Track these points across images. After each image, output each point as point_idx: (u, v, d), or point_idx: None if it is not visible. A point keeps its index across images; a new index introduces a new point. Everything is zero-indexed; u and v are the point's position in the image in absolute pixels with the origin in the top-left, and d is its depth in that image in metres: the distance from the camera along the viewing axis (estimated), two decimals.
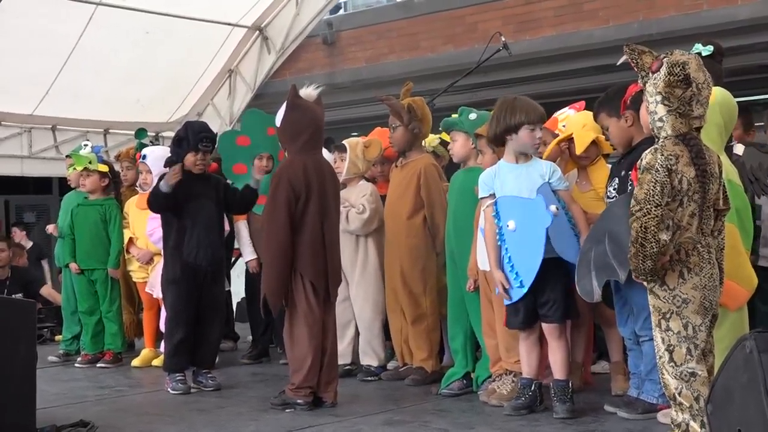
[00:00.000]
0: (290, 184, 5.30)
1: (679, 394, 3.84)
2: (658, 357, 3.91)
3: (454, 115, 5.81)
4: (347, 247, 6.15)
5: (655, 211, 3.75)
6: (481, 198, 5.13)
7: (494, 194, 5.05)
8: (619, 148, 5.03)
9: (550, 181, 4.99)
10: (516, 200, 4.98)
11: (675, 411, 3.88)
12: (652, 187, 3.77)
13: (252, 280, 7.40)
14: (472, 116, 5.68)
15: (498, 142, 5.10)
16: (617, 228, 4.26)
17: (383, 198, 6.38)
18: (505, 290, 4.97)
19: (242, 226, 7.33)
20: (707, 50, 4.74)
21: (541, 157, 5.23)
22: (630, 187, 4.68)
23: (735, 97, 4.77)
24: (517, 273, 4.94)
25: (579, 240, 4.91)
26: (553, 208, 4.90)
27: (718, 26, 8.63)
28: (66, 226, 7.61)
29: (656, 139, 3.96)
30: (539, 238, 4.87)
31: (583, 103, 5.70)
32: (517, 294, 4.95)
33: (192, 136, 6.14)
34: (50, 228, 8.14)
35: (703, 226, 3.91)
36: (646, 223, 3.76)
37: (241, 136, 7.30)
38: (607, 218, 4.51)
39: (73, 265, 7.47)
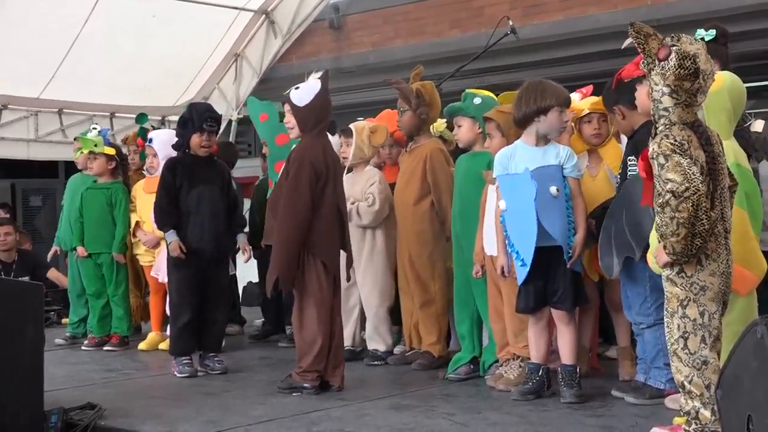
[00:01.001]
0: (312, 166, 5.28)
1: (690, 381, 3.82)
2: (670, 344, 3.88)
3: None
4: (354, 233, 6.15)
5: (702, 187, 3.72)
6: (494, 177, 5.11)
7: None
8: (626, 135, 5.06)
9: (564, 165, 4.96)
10: (508, 178, 4.99)
11: (684, 398, 3.86)
12: (687, 167, 3.73)
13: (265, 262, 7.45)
14: (477, 101, 5.65)
15: (525, 123, 5.03)
16: (634, 206, 4.27)
17: (391, 184, 6.38)
18: (503, 274, 5.00)
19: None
20: (710, 35, 4.71)
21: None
22: (632, 173, 4.68)
23: (745, 82, 4.73)
24: (517, 252, 4.94)
25: (572, 228, 4.90)
26: (553, 189, 4.88)
27: (726, 11, 8.58)
28: (74, 209, 7.61)
29: (654, 123, 3.93)
30: (529, 213, 4.85)
31: (590, 88, 5.68)
32: (521, 273, 4.93)
33: (197, 116, 6.16)
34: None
35: (716, 211, 3.88)
36: (697, 201, 3.70)
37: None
38: (625, 196, 4.55)
39: (80, 250, 7.47)
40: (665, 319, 3.94)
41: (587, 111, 5.45)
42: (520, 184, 4.94)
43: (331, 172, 5.34)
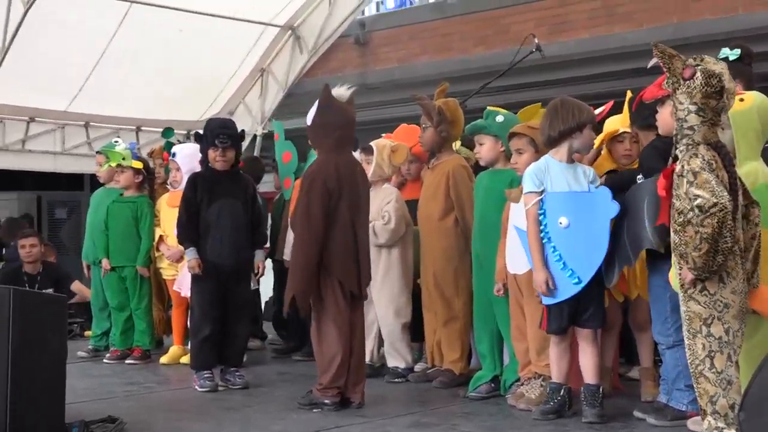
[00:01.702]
0: (324, 183, 5.29)
1: (716, 402, 3.79)
2: (694, 365, 3.85)
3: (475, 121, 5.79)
4: (370, 250, 6.13)
5: (729, 205, 3.73)
6: (527, 193, 5.01)
7: (543, 190, 4.97)
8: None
9: (593, 184, 4.97)
10: (570, 195, 4.93)
11: (709, 419, 3.82)
12: (714, 184, 3.74)
13: (280, 278, 7.50)
14: (499, 119, 5.64)
15: (560, 140, 5.00)
16: (633, 215, 4.39)
17: (412, 201, 6.38)
18: (549, 290, 4.89)
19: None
20: (734, 54, 4.71)
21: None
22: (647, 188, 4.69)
23: None
24: (572, 270, 4.85)
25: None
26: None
27: (753, 30, 8.53)
28: (99, 222, 7.65)
29: (676, 143, 3.92)
30: (602, 231, 4.81)
31: (610, 104, 5.66)
32: (571, 291, 4.86)
33: (209, 132, 6.21)
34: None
35: (736, 230, 3.88)
36: (723, 217, 3.73)
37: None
38: (625, 206, 4.67)
39: (105, 262, 7.50)
40: (686, 341, 3.91)
41: (621, 130, 5.43)
42: (590, 202, 4.90)
43: (345, 189, 5.32)
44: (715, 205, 3.73)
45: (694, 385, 3.90)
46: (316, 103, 5.44)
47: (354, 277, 5.34)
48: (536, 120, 5.38)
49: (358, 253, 5.36)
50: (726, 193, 3.75)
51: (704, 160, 3.79)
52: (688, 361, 3.91)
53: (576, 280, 4.84)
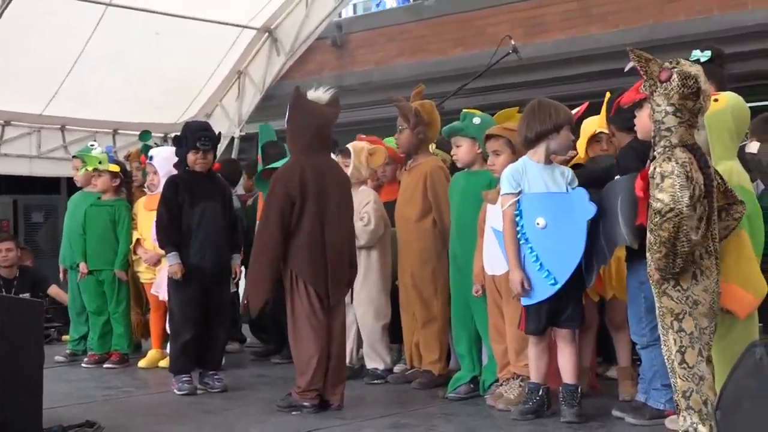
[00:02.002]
0: (285, 189, 5.29)
1: (689, 397, 3.82)
2: (670, 360, 3.89)
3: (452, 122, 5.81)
4: None
5: (687, 211, 3.78)
6: (504, 194, 5.01)
7: (521, 192, 4.97)
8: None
9: (571, 186, 4.98)
10: (548, 196, 4.94)
11: (683, 415, 3.85)
12: (678, 190, 3.79)
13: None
14: (476, 120, 5.64)
15: (537, 141, 5.00)
16: (608, 213, 4.45)
17: (389, 203, 6.38)
18: (524, 290, 4.90)
19: None
20: (705, 56, 4.74)
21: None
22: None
23: (746, 102, 4.73)
24: (548, 271, 4.86)
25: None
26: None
27: (728, 31, 8.61)
28: (76, 226, 7.61)
29: (653, 146, 3.96)
30: (578, 232, 4.82)
31: (585, 105, 5.68)
32: (548, 292, 4.86)
33: (190, 135, 6.19)
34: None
35: (710, 230, 3.93)
36: (679, 223, 3.78)
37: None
38: (600, 204, 4.67)
39: (82, 266, 7.47)
40: (662, 336, 3.95)
41: (599, 130, 5.46)
42: (567, 203, 4.91)
43: (310, 192, 5.28)
44: (671, 210, 3.79)
45: (671, 380, 3.93)
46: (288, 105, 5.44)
47: (322, 281, 5.30)
48: (513, 122, 5.40)
49: (326, 257, 5.33)
50: (687, 200, 3.79)
51: (677, 163, 3.83)
52: (665, 357, 3.95)
53: (552, 281, 4.86)
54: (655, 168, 3.88)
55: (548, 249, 4.88)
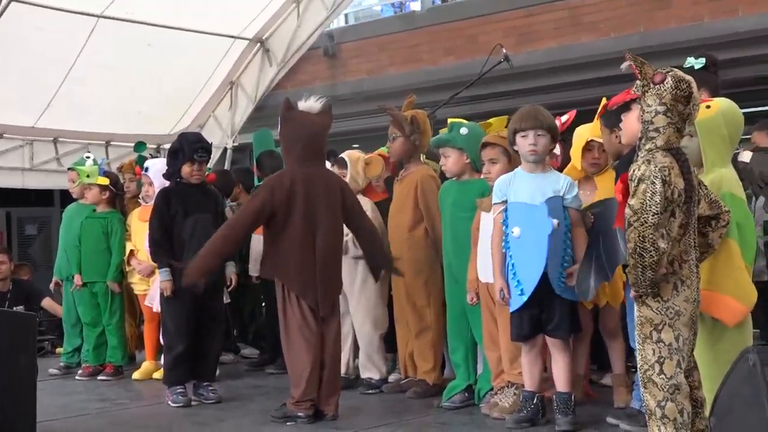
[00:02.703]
0: (271, 193, 5.32)
1: (663, 407, 3.79)
2: (643, 370, 3.86)
3: (443, 131, 5.81)
4: (346, 261, 6.14)
5: (652, 219, 3.75)
6: (494, 204, 5.10)
7: (506, 201, 5.02)
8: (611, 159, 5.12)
9: (565, 197, 4.96)
10: (522, 207, 4.97)
11: (656, 424, 3.82)
12: (649, 197, 3.77)
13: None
14: (464, 131, 5.66)
15: (515, 150, 5.13)
16: (609, 230, 4.35)
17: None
18: (503, 298, 4.96)
19: (256, 241, 7.33)
20: (700, 63, 4.76)
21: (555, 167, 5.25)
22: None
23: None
24: (518, 281, 4.93)
25: (568, 260, 4.90)
26: (554, 222, 4.89)
27: (719, 38, 8.65)
28: (72, 237, 7.61)
29: (638, 149, 3.96)
30: (541, 246, 4.86)
31: (573, 113, 5.69)
32: (517, 303, 4.93)
33: (187, 147, 6.18)
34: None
35: (690, 238, 3.92)
36: (643, 232, 3.75)
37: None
38: (601, 220, 4.59)
39: (77, 278, 7.46)
40: (637, 346, 3.93)
41: (590, 138, 5.46)
42: (536, 216, 4.93)
43: (297, 201, 5.30)
44: (637, 218, 3.77)
45: (641, 390, 3.89)
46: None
47: (312, 292, 5.31)
48: (492, 131, 5.54)
49: (316, 269, 5.33)
50: (656, 208, 3.76)
51: (656, 167, 3.81)
52: (638, 366, 3.92)
53: (520, 291, 4.91)
54: (633, 171, 3.88)
55: (520, 259, 4.94)
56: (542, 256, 4.85)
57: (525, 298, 4.90)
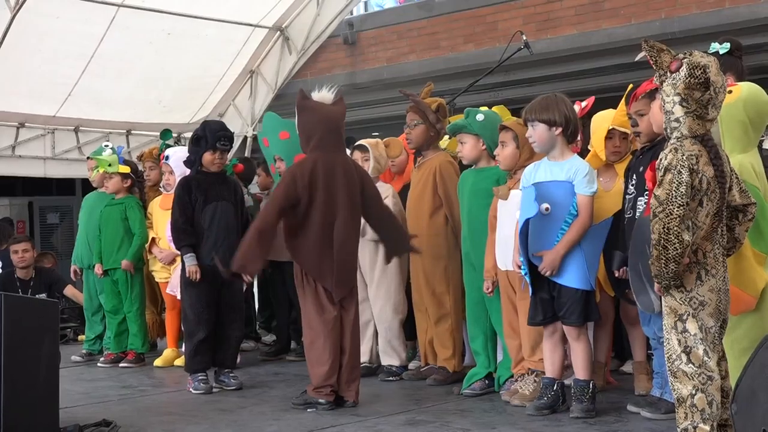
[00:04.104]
0: (294, 180, 5.35)
1: (693, 396, 3.78)
2: (671, 360, 3.84)
3: (457, 117, 5.80)
4: (366, 247, 6.15)
5: (677, 211, 3.72)
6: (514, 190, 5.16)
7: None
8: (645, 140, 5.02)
9: (573, 181, 4.95)
10: (524, 191, 5.02)
11: (682, 414, 3.81)
12: (675, 188, 3.74)
13: (265, 279, 7.60)
14: (479, 117, 5.65)
15: None
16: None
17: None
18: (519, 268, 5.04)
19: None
20: (724, 48, 4.72)
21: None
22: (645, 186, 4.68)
23: None
24: (523, 262, 4.97)
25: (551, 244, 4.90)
26: (543, 206, 4.89)
27: (740, 24, 8.57)
28: (92, 226, 7.65)
29: (667, 139, 3.93)
30: (522, 228, 4.93)
31: (591, 99, 5.65)
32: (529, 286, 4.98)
33: (210, 135, 6.19)
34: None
35: (718, 227, 3.88)
36: (668, 224, 3.72)
37: (264, 137, 7.35)
38: (643, 230, 4.51)
39: (97, 267, 7.51)
40: (665, 336, 3.91)
41: (610, 127, 5.43)
42: (525, 199, 4.98)
43: (319, 189, 5.33)
44: (662, 209, 3.74)
45: (670, 380, 3.87)
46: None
47: (330, 278, 5.35)
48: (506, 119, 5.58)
49: (333, 255, 5.35)
50: (680, 199, 3.73)
51: (683, 156, 3.78)
52: (665, 356, 3.91)
53: (524, 272, 4.99)
54: (661, 159, 3.85)
55: (520, 241, 4.99)
56: (522, 239, 4.90)
57: (526, 277, 4.95)
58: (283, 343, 7.58)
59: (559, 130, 4.97)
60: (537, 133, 5.00)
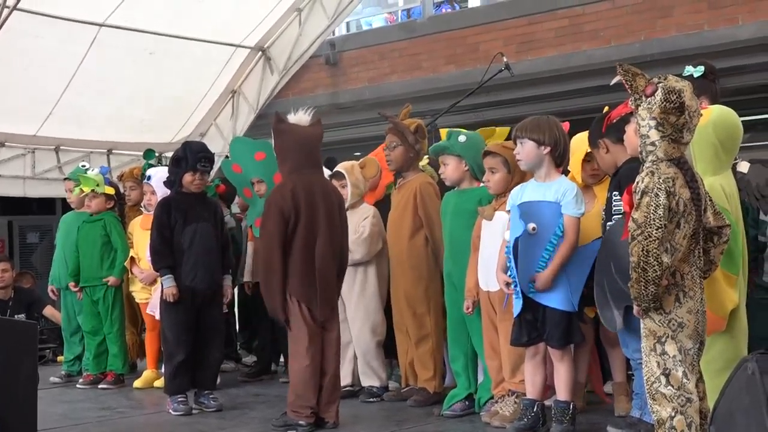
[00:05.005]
0: (280, 210, 5.34)
1: (672, 418, 3.79)
2: (650, 383, 3.86)
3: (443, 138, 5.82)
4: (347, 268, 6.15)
5: (656, 233, 3.74)
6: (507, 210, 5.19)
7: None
8: (608, 173, 5.09)
9: (560, 202, 4.95)
10: (510, 211, 5.05)
11: None
12: (652, 210, 3.76)
13: (245, 299, 7.55)
14: (462, 138, 5.67)
15: None
16: (619, 252, 4.27)
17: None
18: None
19: (249, 247, 7.35)
20: (698, 71, 4.76)
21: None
22: (617, 209, 4.71)
23: (738, 116, 4.72)
24: (516, 283, 4.96)
25: (543, 266, 4.88)
26: (530, 226, 4.91)
27: (719, 46, 8.65)
28: (69, 245, 7.61)
29: (642, 162, 3.96)
30: (512, 247, 4.95)
31: (566, 125, 5.67)
32: (517, 306, 4.97)
33: (190, 156, 6.19)
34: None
35: (695, 249, 3.91)
36: (647, 246, 3.74)
37: (234, 164, 7.36)
38: (608, 246, 4.52)
39: (71, 285, 7.47)
40: (643, 357, 3.92)
41: (588, 150, 5.45)
42: (513, 219, 5.00)
43: (302, 211, 5.35)
44: (641, 232, 3.76)
45: (649, 402, 3.89)
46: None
47: (314, 298, 5.36)
48: (493, 141, 5.56)
49: (316, 276, 5.36)
50: (659, 221, 3.75)
51: (660, 179, 3.81)
52: (644, 378, 3.92)
53: (516, 294, 4.99)
54: (638, 183, 3.87)
55: (512, 263, 5.00)
56: (510, 259, 4.93)
57: (520, 302, 4.94)
58: (264, 364, 7.56)
59: (548, 149, 4.98)
60: (525, 150, 5.01)
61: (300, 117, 5.52)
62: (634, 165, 4.77)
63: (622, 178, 4.85)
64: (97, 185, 7.46)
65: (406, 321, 6.10)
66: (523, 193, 5.03)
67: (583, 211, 5.02)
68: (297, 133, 5.45)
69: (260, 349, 7.69)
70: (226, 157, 8.65)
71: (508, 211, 5.08)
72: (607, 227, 4.84)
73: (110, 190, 7.51)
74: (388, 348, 6.43)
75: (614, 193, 4.88)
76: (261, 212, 7.19)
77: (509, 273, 5.00)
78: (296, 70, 11.25)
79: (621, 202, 4.60)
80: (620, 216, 4.56)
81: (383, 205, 6.61)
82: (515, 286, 4.96)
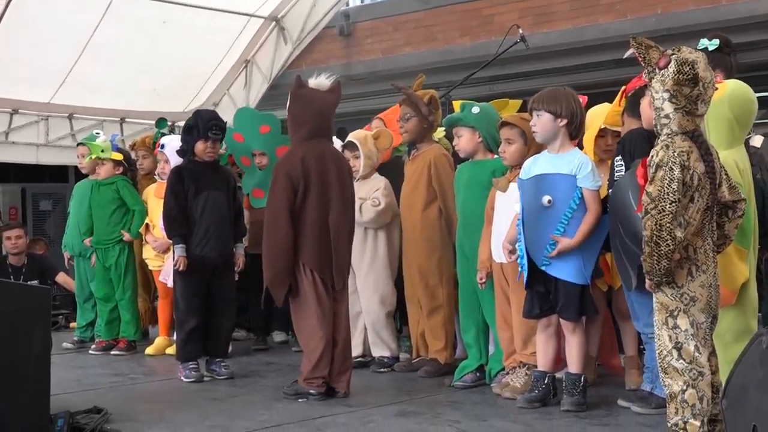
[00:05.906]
0: (288, 177, 5.30)
1: (684, 392, 3.80)
2: (662, 356, 3.86)
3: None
4: (356, 239, 6.13)
5: (669, 207, 3.72)
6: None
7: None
8: None
9: (576, 175, 4.93)
10: (521, 182, 5.05)
11: (673, 410, 3.83)
12: (667, 184, 3.75)
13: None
14: (475, 110, 5.65)
15: None
16: (626, 212, 4.28)
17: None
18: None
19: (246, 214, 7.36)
20: (713, 44, 4.72)
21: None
22: (618, 173, 4.70)
23: (755, 92, 4.69)
24: (522, 255, 4.97)
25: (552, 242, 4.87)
26: (545, 198, 4.89)
27: (737, 21, 8.58)
28: (83, 212, 7.62)
29: (657, 135, 3.94)
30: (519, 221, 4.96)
31: (584, 99, 5.64)
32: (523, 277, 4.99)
33: (201, 124, 6.18)
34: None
35: (708, 223, 3.90)
36: (660, 220, 3.73)
37: (236, 132, 7.35)
38: (614, 209, 4.55)
39: (86, 241, 7.50)
40: (656, 331, 3.92)
41: (603, 126, 5.43)
42: (525, 190, 4.98)
43: (312, 180, 5.31)
44: (655, 207, 3.74)
45: (661, 376, 3.89)
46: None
47: (328, 268, 5.34)
48: (507, 113, 5.53)
49: (330, 244, 5.35)
50: (672, 195, 3.73)
51: (674, 152, 3.79)
52: (656, 352, 3.92)
53: (521, 266, 5.02)
54: (652, 156, 3.85)
55: (521, 234, 5.01)
56: (519, 231, 4.94)
57: (525, 273, 4.95)
58: (260, 335, 7.56)
59: (564, 121, 4.95)
60: (541, 122, 4.98)
61: (321, 81, 5.48)
62: (637, 131, 4.77)
63: (626, 144, 4.84)
64: (102, 151, 7.47)
65: (418, 292, 6.10)
66: (535, 164, 5.01)
67: (601, 183, 5.00)
68: (314, 102, 5.40)
69: (255, 320, 7.68)
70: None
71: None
72: (609, 193, 4.82)
73: (118, 156, 7.52)
74: (399, 317, 6.44)
75: (617, 158, 4.87)
76: (259, 183, 7.25)
77: (518, 245, 4.99)
78: (310, 41, 11.21)
79: (623, 168, 4.62)
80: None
81: (390, 170, 6.57)
82: (521, 258, 4.95)
